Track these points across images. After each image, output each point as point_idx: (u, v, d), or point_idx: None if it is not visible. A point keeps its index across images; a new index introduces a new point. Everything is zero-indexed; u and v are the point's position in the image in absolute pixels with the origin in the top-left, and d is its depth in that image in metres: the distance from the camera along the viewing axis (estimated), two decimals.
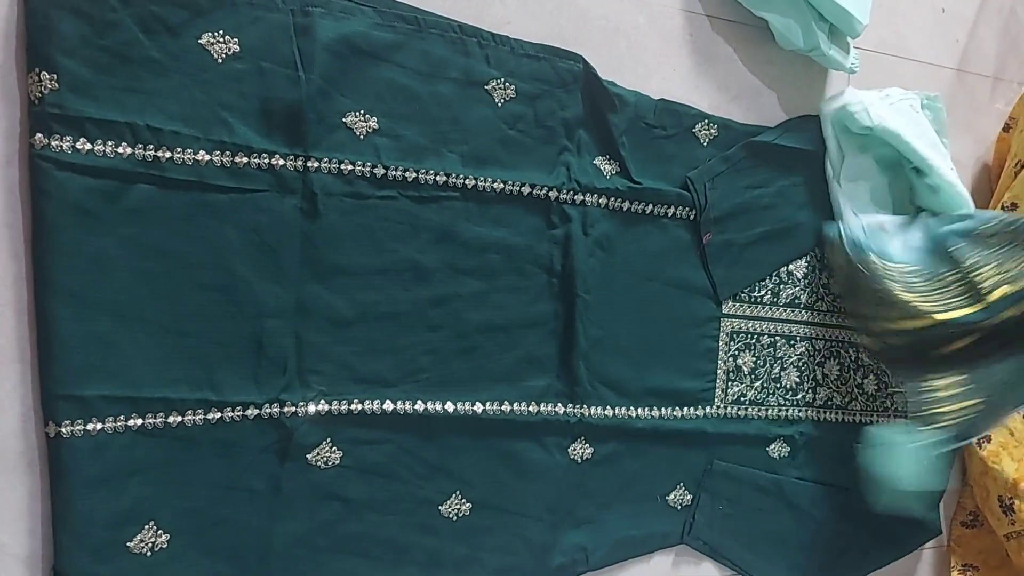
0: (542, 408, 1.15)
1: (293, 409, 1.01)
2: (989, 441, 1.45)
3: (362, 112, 1.03)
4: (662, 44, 1.27)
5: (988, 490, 1.45)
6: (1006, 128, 1.58)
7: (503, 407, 1.13)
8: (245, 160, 0.97)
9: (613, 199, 1.19)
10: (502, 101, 1.12)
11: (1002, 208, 1.47)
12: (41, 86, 0.87)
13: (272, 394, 1.00)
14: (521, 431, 1.14)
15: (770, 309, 1.34)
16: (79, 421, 0.89)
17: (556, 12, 1.18)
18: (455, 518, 1.11)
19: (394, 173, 1.05)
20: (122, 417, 0.92)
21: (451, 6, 1.10)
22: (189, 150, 0.94)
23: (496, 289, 1.12)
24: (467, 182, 1.09)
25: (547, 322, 1.16)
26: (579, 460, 1.18)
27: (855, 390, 1.42)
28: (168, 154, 0.93)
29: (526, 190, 1.13)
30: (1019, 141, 1.51)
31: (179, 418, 0.95)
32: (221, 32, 0.96)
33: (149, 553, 0.94)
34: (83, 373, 0.90)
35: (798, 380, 1.37)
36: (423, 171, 1.07)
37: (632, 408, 1.21)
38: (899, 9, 1.49)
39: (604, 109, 1.18)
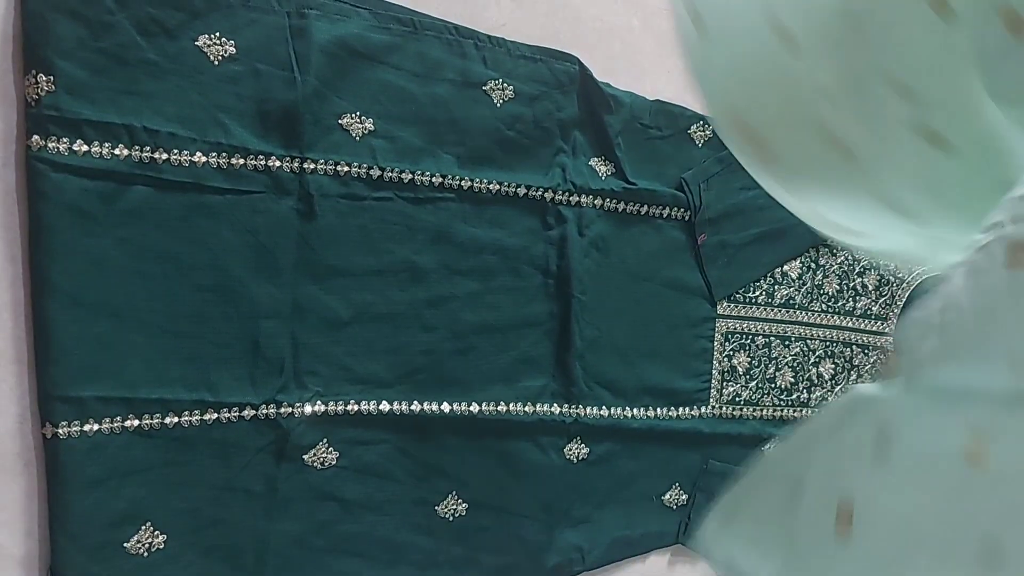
0: (538, 408, 1.15)
1: (290, 410, 1.01)
2: None
3: (358, 114, 1.04)
4: (657, 46, 1.27)
5: None
6: None
7: (499, 407, 1.13)
8: (241, 161, 0.98)
9: (608, 200, 1.19)
10: (501, 102, 1.12)
11: None
12: (38, 88, 0.87)
13: (268, 395, 1.00)
14: (517, 431, 1.14)
15: (765, 310, 1.34)
16: (76, 422, 0.89)
17: (551, 14, 1.19)
18: (451, 518, 1.12)
19: (390, 174, 1.06)
20: (119, 418, 0.92)
21: (447, 8, 1.11)
22: (186, 152, 0.95)
23: (492, 290, 1.13)
24: (463, 183, 1.10)
25: (543, 322, 1.16)
26: (575, 460, 1.19)
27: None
28: (165, 156, 0.94)
29: (522, 191, 1.13)
30: None
31: (176, 419, 0.95)
32: (217, 34, 0.96)
33: (146, 553, 0.94)
34: (80, 374, 0.90)
35: (793, 380, 1.37)
36: (419, 172, 1.07)
37: (628, 408, 1.22)
38: None
39: (600, 110, 1.19)
